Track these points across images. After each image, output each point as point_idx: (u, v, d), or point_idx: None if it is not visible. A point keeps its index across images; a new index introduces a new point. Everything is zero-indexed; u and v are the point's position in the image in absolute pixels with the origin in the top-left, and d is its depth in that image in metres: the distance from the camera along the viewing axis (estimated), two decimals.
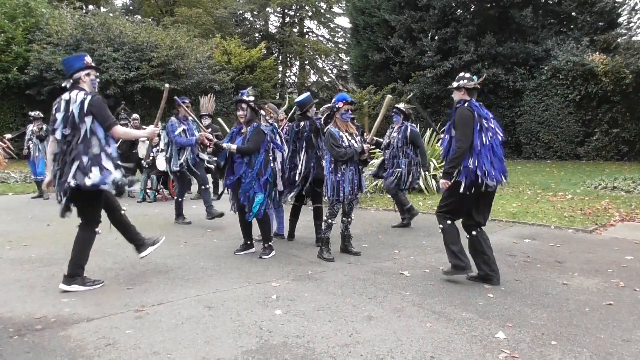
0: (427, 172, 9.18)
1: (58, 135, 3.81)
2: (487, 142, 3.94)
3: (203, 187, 6.78)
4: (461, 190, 3.90)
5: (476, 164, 3.88)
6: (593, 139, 17.41)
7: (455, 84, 4.14)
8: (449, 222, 4.10)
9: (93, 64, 4.05)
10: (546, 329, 3.14)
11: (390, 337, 2.98)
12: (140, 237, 4.26)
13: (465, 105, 4.00)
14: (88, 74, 3.94)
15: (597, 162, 16.64)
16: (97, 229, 3.97)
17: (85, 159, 3.73)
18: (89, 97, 3.80)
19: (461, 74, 4.19)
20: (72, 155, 3.75)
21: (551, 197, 9.03)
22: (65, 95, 3.85)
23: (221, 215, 6.49)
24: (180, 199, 6.82)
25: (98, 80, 4.14)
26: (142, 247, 4.25)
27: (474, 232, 4.12)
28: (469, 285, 4.06)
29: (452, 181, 3.98)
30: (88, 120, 3.77)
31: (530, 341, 2.95)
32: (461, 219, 4.18)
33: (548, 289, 3.96)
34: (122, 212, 4.18)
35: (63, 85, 4.00)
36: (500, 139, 4.08)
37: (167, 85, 5.07)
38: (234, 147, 4.73)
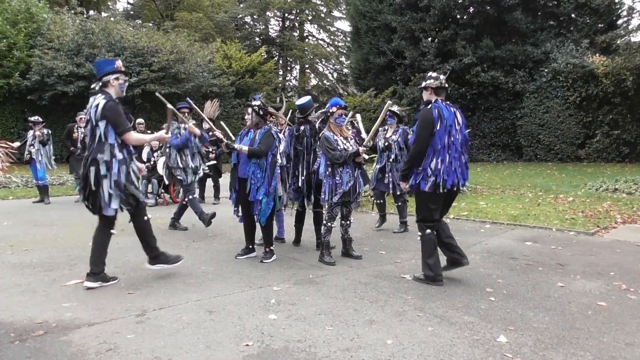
0: None
1: (87, 138, 4.00)
2: (447, 144, 3.98)
3: (190, 196, 6.64)
4: (426, 189, 3.99)
5: (438, 167, 3.95)
6: (594, 140, 17.40)
7: (423, 84, 4.19)
8: (427, 231, 4.14)
9: (123, 69, 4.16)
10: (548, 332, 3.13)
11: (392, 341, 2.97)
12: (157, 250, 4.29)
13: (429, 107, 4.04)
14: (117, 78, 4.06)
15: (598, 164, 16.63)
16: (112, 230, 4.16)
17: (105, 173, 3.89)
18: (104, 101, 3.91)
19: (428, 74, 4.25)
20: (90, 159, 3.91)
21: (552, 200, 9.02)
22: (91, 99, 4.01)
23: (185, 229, 6.58)
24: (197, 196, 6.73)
25: (127, 84, 4.24)
26: (156, 259, 4.28)
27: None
28: (471, 288, 4.05)
29: (416, 186, 4.06)
30: (102, 124, 3.88)
31: (532, 345, 2.94)
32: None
33: (550, 292, 3.95)
34: (146, 218, 4.25)
35: (92, 86, 4.14)
36: (462, 141, 4.12)
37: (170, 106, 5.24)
38: (245, 148, 4.75)
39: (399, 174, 4.52)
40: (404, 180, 4.19)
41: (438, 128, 3.95)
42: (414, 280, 4.25)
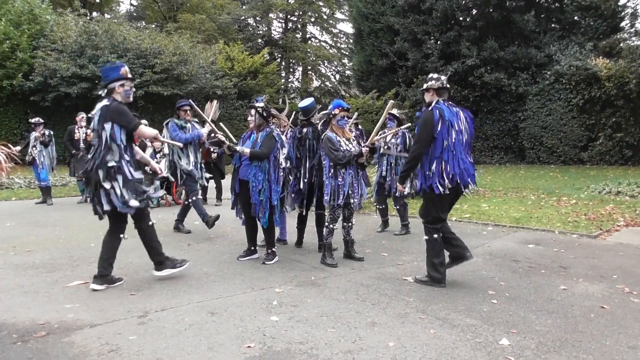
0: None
1: (94, 142, 3.98)
2: (452, 145, 3.96)
3: (194, 197, 6.56)
4: (437, 192, 3.96)
5: (442, 168, 3.94)
6: (597, 143, 17.36)
7: (424, 86, 4.18)
8: (435, 235, 4.12)
9: (129, 75, 4.12)
10: (551, 335, 3.12)
11: (394, 344, 2.96)
12: (162, 256, 4.28)
13: (430, 108, 4.03)
14: (122, 85, 4.04)
15: (601, 167, 16.59)
16: (122, 235, 4.15)
17: (113, 177, 3.89)
18: (108, 103, 3.93)
19: (430, 75, 4.23)
20: (97, 162, 3.90)
21: (555, 202, 9.00)
22: (98, 105, 4.01)
23: (188, 232, 6.53)
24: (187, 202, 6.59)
25: (133, 90, 4.23)
26: (162, 265, 4.26)
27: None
28: (473, 291, 4.04)
29: (427, 188, 4.02)
30: (107, 126, 3.88)
31: (535, 348, 2.93)
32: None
33: (552, 294, 3.94)
34: (151, 223, 4.22)
35: (99, 93, 4.14)
36: (468, 141, 4.11)
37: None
38: (247, 150, 4.76)
39: (398, 176, 4.49)
40: (402, 182, 4.16)
41: (440, 129, 3.93)
42: (415, 282, 4.24)
